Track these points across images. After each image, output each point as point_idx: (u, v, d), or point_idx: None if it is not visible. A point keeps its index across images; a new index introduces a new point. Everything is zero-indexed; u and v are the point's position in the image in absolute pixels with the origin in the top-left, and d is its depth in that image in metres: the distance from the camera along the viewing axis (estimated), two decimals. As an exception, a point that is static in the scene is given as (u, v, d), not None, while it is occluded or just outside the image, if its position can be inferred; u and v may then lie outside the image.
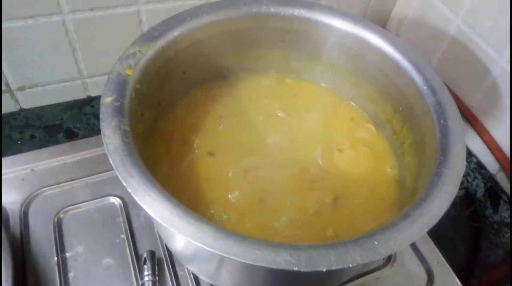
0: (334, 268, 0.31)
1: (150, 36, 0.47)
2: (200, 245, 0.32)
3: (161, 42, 0.47)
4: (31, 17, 0.57)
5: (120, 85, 0.42)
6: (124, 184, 0.35)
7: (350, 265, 0.32)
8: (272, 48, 0.59)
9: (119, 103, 0.40)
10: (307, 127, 0.57)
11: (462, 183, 0.69)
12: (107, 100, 0.40)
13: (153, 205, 0.34)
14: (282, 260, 0.32)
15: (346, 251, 0.33)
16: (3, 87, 0.63)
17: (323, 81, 0.62)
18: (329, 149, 0.54)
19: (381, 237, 0.34)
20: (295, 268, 0.31)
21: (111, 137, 0.37)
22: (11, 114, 0.67)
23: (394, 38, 0.52)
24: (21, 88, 0.65)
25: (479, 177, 0.65)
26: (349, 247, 0.33)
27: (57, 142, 0.72)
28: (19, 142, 0.71)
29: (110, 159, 0.36)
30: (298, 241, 0.44)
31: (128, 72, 0.43)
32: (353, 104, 0.60)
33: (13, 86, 0.64)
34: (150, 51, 0.46)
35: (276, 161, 0.53)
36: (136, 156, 0.37)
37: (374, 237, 0.34)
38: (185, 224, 0.33)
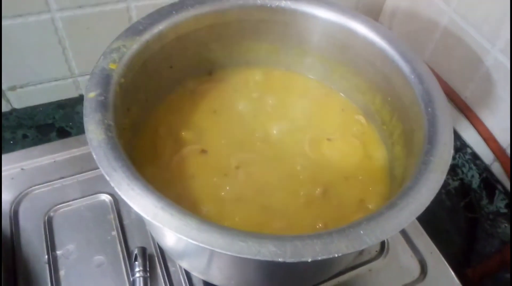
0: (319, 258, 0.31)
1: (134, 30, 0.47)
2: (184, 238, 0.32)
3: (146, 36, 0.47)
4: (20, 15, 0.56)
5: (104, 80, 0.42)
6: (107, 178, 0.34)
7: (336, 255, 0.32)
8: (260, 40, 0.58)
9: (103, 97, 0.40)
10: (297, 119, 0.57)
11: (457, 174, 0.68)
12: (91, 95, 0.40)
13: (137, 199, 0.34)
14: (267, 251, 0.31)
15: (332, 241, 0.32)
16: (-6, 87, 0.63)
17: (312, 73, 0.62)
18: (318, 140, 0.54)
19: (367, 227, 0.33)
20: (280, 259, 0.31)
21: (94, 132, 0.37)
22: (3, 114, 0.67)
23: (381, 27, 0.52)
24: (12, 88, 0.64)
25: (474, 168, 0.65)
26: (335, 237, 0.33)
27: (50, 141, 0.71)
28: (12, 142, 0.70)
29: (93, 154, 0.36)
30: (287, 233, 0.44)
31: (112, 66, 0.43)
32: (343, 95, 0.60)
33: (4, 86, 0.64)
34: (135, 45, 0.46)
35: (266, 154, 0.52)
36: (119, 150, 0.36)
37: (360, 227, 0.33)
38: (169, 217, 0.32)
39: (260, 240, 0.32)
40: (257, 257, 0.31)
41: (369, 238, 0.33)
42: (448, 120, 0.42)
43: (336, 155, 0.53)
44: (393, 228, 0.34)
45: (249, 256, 0.31)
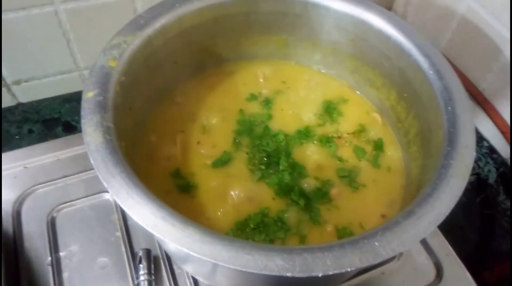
0: (331, 273, 0.29)
1: (135, 24, 0.45)
2: (185, 250, 0.30)
3: (148, 31, 0.45)
4: (23, 8, 0.55)
5: (103, 78, 0.40)
6: (106, 185, 0.33)
7: (349, 269, 0.29)
8: (268, 33, 0.56)
9: (102, 97, 0.38)
10: (308, 115, 0.55)
11: (473, 168, 0.66)
12: (89, 95, 0.38)
13: (136, 207, 0.32)
14: (275, 266, 0.29)
15: (344, 254, 0.30)
16: (-2, 81, 0.62)
17: (324, 67, 0.59)
18: (329, 137, 0.52)
19: (382, 238, 0.31)
20: (289, 274, 0.29)
21: (92, 135, 0.35)
22: (9, 109, 0.66)
23: (398, 19, 0.49)
24: (17, 82, 0.63)
25: (490, 162, 0.62)
26: (348, 249, 0.30)
27: (56, 136, 0.71)
28: (17, 137, 0.69)
29: (90, 159, 0.34)
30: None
31: (112, 64, 0.41)
32: (355, 90, 0.58)
33: (8, 80, 0.62)
34: (136, 40, 0.44)
35: (278, 154, 0.50)
36: (119, 155, 0.35)
37: (375, 238, 0.31)
38: (170, 228, 0.31)
39: (267, 253, 0.30)
40: (264, 272, 0.29)
41: (384, 251, 0.30)
42: (469, 120, 0.40)
43: (348, 153, 0.51)
44: (411, 239, 0.32)
45: (255, 271, 0.29)
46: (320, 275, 0.29)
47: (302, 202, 0.46)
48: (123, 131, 0.40)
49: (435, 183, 0.35)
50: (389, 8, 0.77)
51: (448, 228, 0.58)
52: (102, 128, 0.36)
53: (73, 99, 0.69)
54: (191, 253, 0.30)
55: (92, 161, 0.34)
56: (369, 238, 0.31)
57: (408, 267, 0.54)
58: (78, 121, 0.71)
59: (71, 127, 0.71)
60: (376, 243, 0.31)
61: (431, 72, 0.44)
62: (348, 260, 0.30)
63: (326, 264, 0.29)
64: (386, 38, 0.48)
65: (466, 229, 0.69)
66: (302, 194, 0.46)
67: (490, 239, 0.65)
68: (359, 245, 0.31)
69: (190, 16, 0.48)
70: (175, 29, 0.48)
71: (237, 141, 0.51)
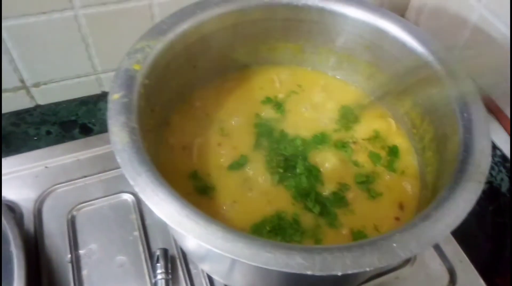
0: (350, 272, 0.30)
1: (158, 30, 0.46)
2: (209, 247, 0.31)
3: (170, 36, 0.46)
4: (43, 13, 0.56)
5: (128, 81, 0.41)
6: (132, 183, 0.34)
7: (367, 269, 0.30)
8: (286, 39, 0.57)
9: (127, 99, 0.39)
10: (322, 121, 0.55)
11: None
12: (115, 97, 0.39)
13: (161, 205, 0.33)
14: (295, 264, 0.30)
15: (363, 254, 0.31)
16: (19, 84, 0.64)
17: (339, 73, 0.60)
18: (344, 142, 0.53)
19: (400, 239, 0.32)
20: (309, 272, 0.30)
21: (118, 135, 0.36)
22: (27, 110, 0.68)
23: (413, 27, 0.50)
24: (36, 85, 0.65)
25: (503, 170, 0.62)
26: (366, 249, 0.31)
27: (73, 137, 0.72)
28: (35, 138, 0.71)
29: (117, 158, 0.35)
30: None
31: (136, 67, 0.42)
32: (370, 96, 0.58)
33: (28, 83, 0.64)
34: (159, 45, 0.45)
35: (295, 158, 0.51)
36: (144, 154, 0.36)
37: (393, 239, 0.32)
38: (194, 225, 0.32)
39: (287, 252, 0.31)
40: (285, 269, 0.30)
41: (402, 252, 0.31)
42: (485, 125, 0.40)
43: (363, 158, 0.51)
44: (428, 240, 0.32)
45: (276, 268, 0.30)
46: (339, 273, 0.30)
47: (316, 209, 0.46)
48: (145, 132, 0.41)
49: (451, 187, 0.36)
50: (401, 16, 0.77)
51: (461, 236, 0.58)
52: (127, 128, 0.37)
53: (90, 102, 0.70)
54: (214, 249, 0.30)
55: (118, 160, 0.35)
56: (387, 240, 0.32)
57: (422, 273, 0.55)
58: (95, 124, 0.73)
59: (87, 129, 0.73)
60: (394, 244, 0.31)
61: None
62: (367, 260, 0.31)
63: (345, 264, 0.30)
64: (401, 45, 0.49)
65: (479, 237, 0.68)
66: (318, 200, 0.47)
67: (503, 247, 0.65)
68: (378, 246, 0.31)
69: (210, 22, 0.49)
70: (195, 35, 0.49)
71: (258, 143, 0.51)
